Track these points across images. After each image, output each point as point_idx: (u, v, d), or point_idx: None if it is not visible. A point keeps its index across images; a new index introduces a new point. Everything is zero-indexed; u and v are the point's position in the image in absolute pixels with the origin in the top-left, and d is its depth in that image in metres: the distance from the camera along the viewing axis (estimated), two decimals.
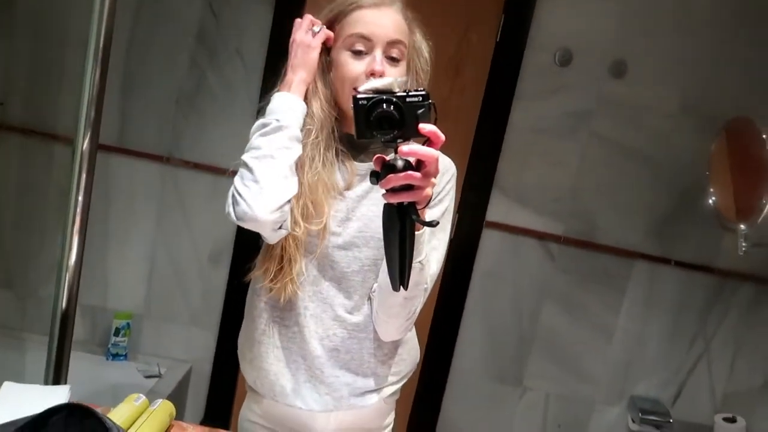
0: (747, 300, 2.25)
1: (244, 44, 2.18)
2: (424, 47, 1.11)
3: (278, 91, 1.04)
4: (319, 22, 1.06)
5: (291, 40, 1.06)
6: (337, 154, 1.07)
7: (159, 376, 2.22)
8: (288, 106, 1.01)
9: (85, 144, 1.25)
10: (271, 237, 1.03)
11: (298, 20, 1.08)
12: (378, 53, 1.02)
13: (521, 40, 2.19)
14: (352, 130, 1.08)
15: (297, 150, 1.01)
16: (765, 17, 2.15)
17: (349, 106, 0.86)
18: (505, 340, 2.36)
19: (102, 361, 2.26)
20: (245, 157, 0.99)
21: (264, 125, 1.00)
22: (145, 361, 2.29)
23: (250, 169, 0.97)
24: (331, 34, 1.06)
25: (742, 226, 1.86)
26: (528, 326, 2.34)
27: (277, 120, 0.99)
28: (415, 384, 2.35)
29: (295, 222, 1.02)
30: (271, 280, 1.06)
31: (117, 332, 2.27)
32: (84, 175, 1.27)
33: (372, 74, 1.01)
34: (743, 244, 1.87)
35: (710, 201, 2.10)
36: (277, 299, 1.09)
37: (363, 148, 1.09)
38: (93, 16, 1.21)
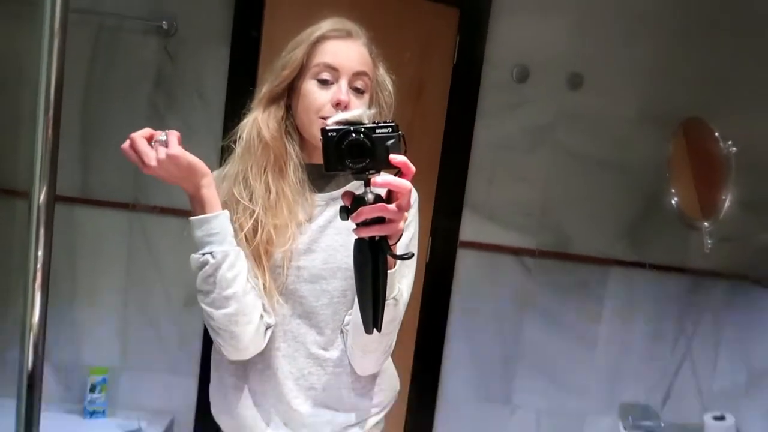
0: (722, 296, 2.27)
1: (203, 85, 2.17)
2: (387, 81, 1.12)
3: (193, 215, 0.99)
4: (156, 132, 0.93)
5: (145, 170, 0.92)
6: (299, 184, 1.06)
7: (139, 430, 2.14)
8: (208, 232, 0.97)
9: (41, 196, 1.21)
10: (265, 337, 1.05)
11: (134, 137, 0.92)
12: (343, 83, 1.03)
13: (478, 59, 2.23)
14: (313, 161, 1.08)
15: (241, 264, 0.99)
16: (714, 20, 2.22)
17: (315, 135, 0.84)
18: (490, 359, 2.34)
19: (79, 420, 2.17)
20: (201, 303, 0.99)
21: (202, 265, 0.97)
22: (126, 416, 2.20)
23: (211, 317, 0.98)
24: (177, 134, 0.94)
25: (706, 224, 1.90)
26: (511, 343, 2.33)
27: (211, 255, 0.96)
28: (404, 413, 2.30)
29: (267, 313, 1.04)
30: None
31: (93, 389, 2.19)
32: (42, 229, 1.22)
33: (337, 104, 1.01)
34: (708, 241, 1.90)
35: (673, 201, 2.14)
36: None
37: (321, 179, 1.08)
38: (41, 61, 1.18)
